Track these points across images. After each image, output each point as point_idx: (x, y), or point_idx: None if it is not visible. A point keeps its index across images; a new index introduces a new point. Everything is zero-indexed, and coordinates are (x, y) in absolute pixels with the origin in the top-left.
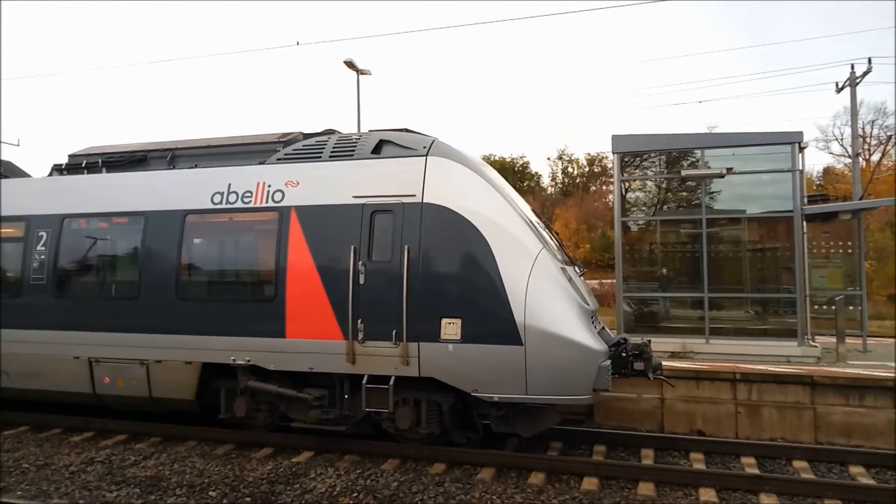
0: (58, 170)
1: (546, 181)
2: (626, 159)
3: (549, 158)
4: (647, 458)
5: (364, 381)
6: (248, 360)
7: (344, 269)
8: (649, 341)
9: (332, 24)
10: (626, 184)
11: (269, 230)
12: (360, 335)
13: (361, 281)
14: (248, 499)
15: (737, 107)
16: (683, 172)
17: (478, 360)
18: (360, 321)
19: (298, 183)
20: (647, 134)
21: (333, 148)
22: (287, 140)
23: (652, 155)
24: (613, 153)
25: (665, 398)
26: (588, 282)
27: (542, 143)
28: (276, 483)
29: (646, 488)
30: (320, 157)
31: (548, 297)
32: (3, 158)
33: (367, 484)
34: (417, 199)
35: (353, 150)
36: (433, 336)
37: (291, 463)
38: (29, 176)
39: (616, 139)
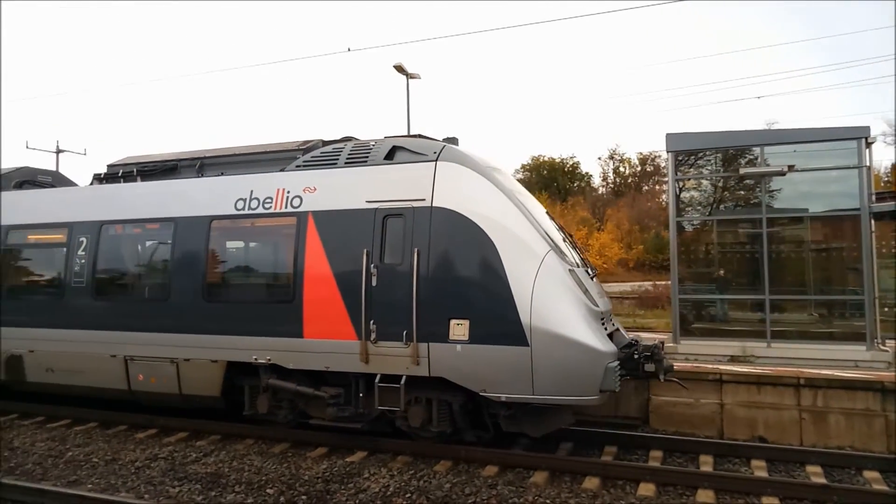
0: (97, 179)
1: (597, 181)
2: (681, 158)
3: (599, 158)
4: (706, 464)
5: (377, 380)
6: (269, 359)
7: (357, 271)
8: (662, 343)
9: (383, 29)
10: (681, 183)
11: (288, 234)
12: (373, 335)
13: (374, 283)
14: (303, 497)
15: (798, 102)
16: (742, 170)
17: (485, 360)
18: (372, 322)
19: (315, 189)
20: (702, 132)
21: (349, 155)
22: (307, 148)
23: (707, 153)
24: (668, 152)
25: (724, 403)
26: (641, 283)
27: (593, 142)
28: (330, 482)
29: (705, 495)
30: (336, 163)
31: (553, 298)
32: (52, 169)
33: (419, 485)
34: (427, 203)
35: (367, 157)
36: (442, 337)
37: (345, 462)
38: (74, 185)
39: (670, 137)
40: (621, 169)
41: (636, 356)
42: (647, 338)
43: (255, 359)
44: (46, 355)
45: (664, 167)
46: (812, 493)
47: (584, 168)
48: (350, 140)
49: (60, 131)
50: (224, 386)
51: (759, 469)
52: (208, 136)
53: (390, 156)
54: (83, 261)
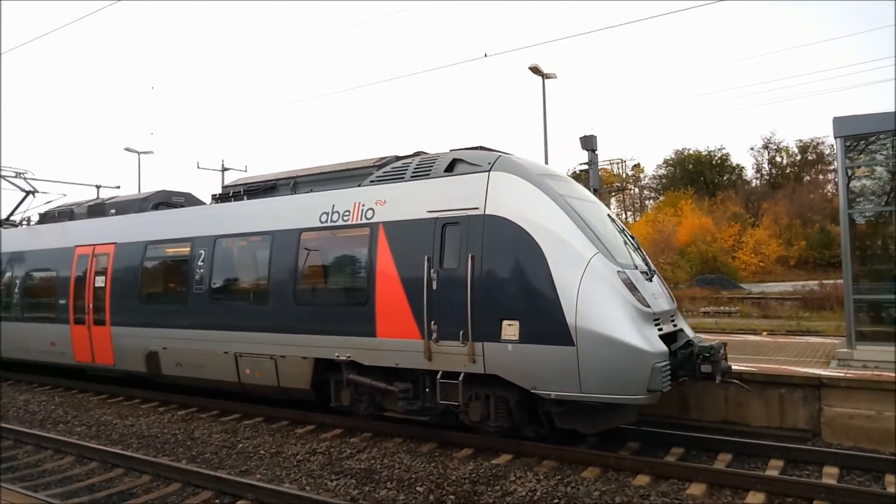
0: (214, 198)
1: (750, 173)
2: (850, 143)
3: (752, 148)
4: (894, 485)
5: (438, 376)
6: (349, 356)
7: (420, 276)
8: (725, 344)
9: (519, 33)
10: (850, 171)
11: (363, 243)
12: (434, 335)
13: (434, 287)
14: (452, 497)
15: None
16: None
17: (534, 359)
18: (433, 322)
19: (385, 201)
20: (875, 113)
21: (415, 169)
22: (381, 164)
23: (882, 136)
24: (835, 137)
25: None
26: (805, 283)
27: (743, 133)
28: (477, 483)
29: None
30: (403, 177)
31: (599, 299)
32: (184, 191)
33: (567, 491)
34: (480, 212)
35: (430, 170)
36: (495, 336)
37: (491, 465)
38: (204, 204)
39: (838, 121)
40: (778, 159)
41: (693, 357)
42: (815, 343)
43: (337, 356)
44: (176, 352)
45: (829, 155)
46: None
47: (734, 160)
48: (419, 154)
49: (226, 150)
50: (313, 380)
51: None
52: (352, 149)
53: (450, 168)
54: (202, 270)
